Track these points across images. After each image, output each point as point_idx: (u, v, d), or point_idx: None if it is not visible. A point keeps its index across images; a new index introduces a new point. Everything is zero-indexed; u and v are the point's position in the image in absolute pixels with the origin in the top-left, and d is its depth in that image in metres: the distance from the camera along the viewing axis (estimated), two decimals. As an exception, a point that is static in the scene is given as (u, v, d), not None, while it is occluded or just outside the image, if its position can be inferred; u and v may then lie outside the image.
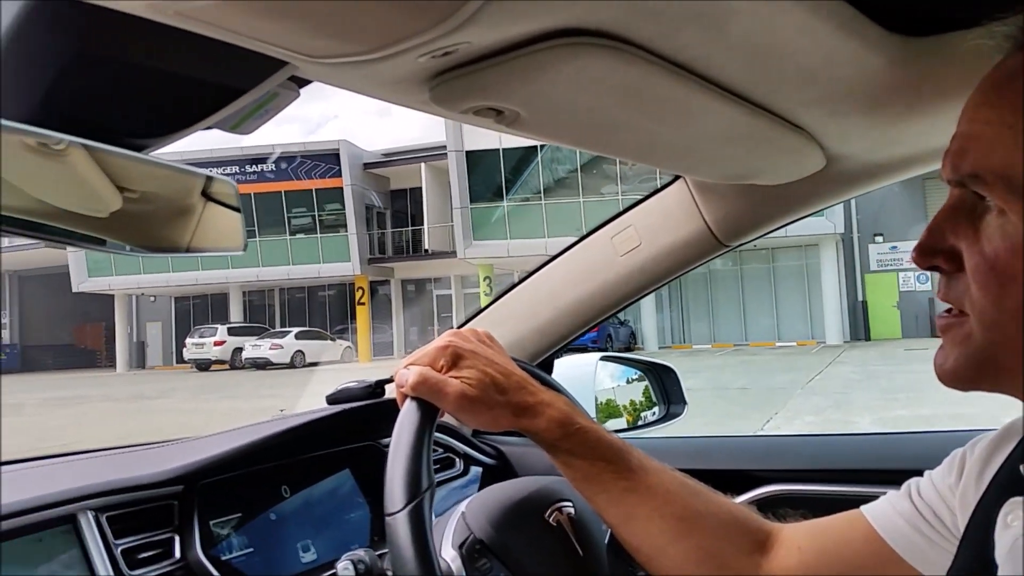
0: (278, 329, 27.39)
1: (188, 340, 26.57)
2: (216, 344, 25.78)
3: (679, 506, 0.78)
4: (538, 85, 0.66)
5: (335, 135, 31.25)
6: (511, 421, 0.77)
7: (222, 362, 25.81)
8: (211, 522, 1.10)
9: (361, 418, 1.32)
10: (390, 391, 1.34)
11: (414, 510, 0.67)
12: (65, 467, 1.18)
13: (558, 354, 1.47)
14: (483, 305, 1.51)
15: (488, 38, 0.58)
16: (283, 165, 26.39)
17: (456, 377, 0.75)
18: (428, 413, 0.74)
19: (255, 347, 24.97)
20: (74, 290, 28.73)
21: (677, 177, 1.24)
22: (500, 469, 1.48)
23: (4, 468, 1.18)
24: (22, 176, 0.56)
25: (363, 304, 27.49)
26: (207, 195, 0.71)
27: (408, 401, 0.75)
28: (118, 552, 0.99)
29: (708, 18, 0.61)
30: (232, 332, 26.22)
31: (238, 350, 25.46)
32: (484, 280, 25.38)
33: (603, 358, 1.59)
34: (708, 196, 1.21)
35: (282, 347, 24.79)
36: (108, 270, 28.24)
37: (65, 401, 16.23)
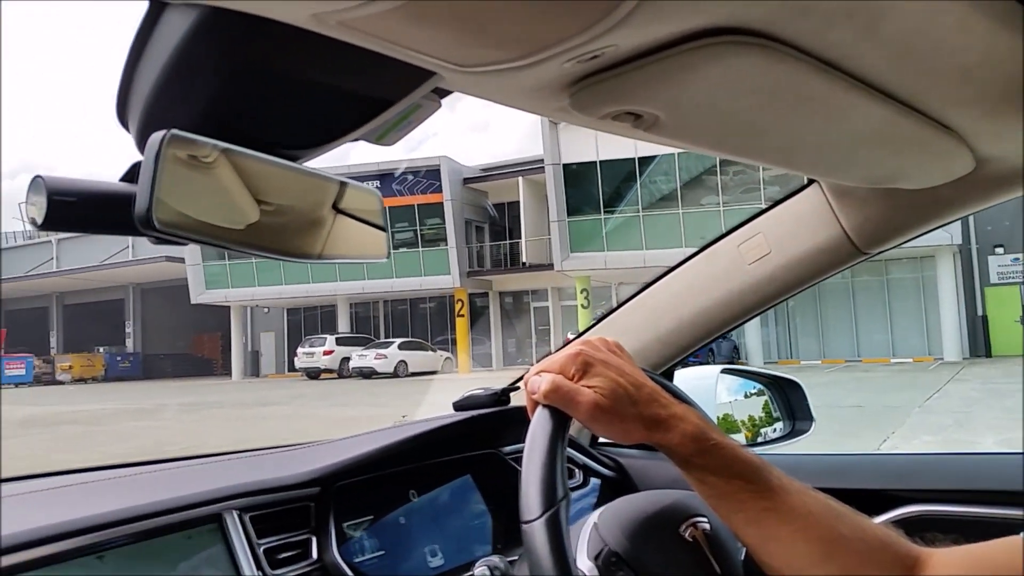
0: (382, 340, 28.20)
1: (299, 350, 27.72)
2: (325, 353, 26.79)
3: (823, 528, 0.74)
4: (681, 87, 0.65)
5: (435, 151, 31.92)
6: (643, 434, 0.75)
7: (331, 371, 26.77)
8: (344, 524, 1.12)
9: (485, 425, 1.33)
10: (515, 399, 1.35)
11: (551, 518, 0.67)
12: (207, 468, 1.24)
13: (677, 366, 1.45)
14: (601, 315, 1.49)
15: (635, 40, 0.57)
16: (387, 181, 27.22)
17: (587, 386, 0.74)
18: (561, 421, 0.74)
19: (361, 357, 25.79)
20: (192, 302, 30.43)
21: (810, 183, 1.20)
22: (619, 482, 1.46)
23: (153, 467, 1.25)
24: (188, 185, 0.58)
25: (462, 316, 27.92)
26: (352, 206, 0.73)
27: (540, 409, 0.75)
28: (260, 551, 1.02)
29: (861, 15, 0.59)
30: (340, 342, 27.21)
31: (345, 359, 26.39)
32: (581, 292, 25.29)
33: (724, 371, 1.56)
34: (846, 201, 1.17)
35: (386, 357, 25.49)
36: (224, 283, 29.85)
37: (191, 407, 17.20)
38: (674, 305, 1.38)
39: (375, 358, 25.53)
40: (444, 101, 0.70)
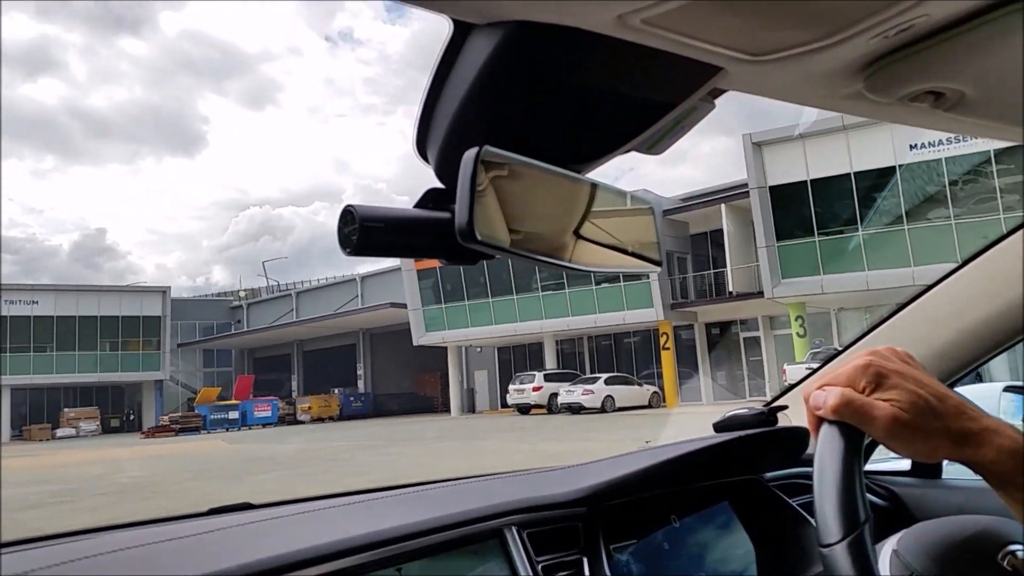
0: (588, 375, 28.30)
1: (510, 387, 28.58)
2: (534, 390, 27.41)
3: None
4: (994, 57, 0.60)
5: (630, 186, 31.81)
6: (950, 450, 0.68)
7: (540, 406, 27.29)
8: (612, 546, 1.12)
9: (749, 448, 1.28)
10: (781, 419, 1.31)
11: (855, 542, 0.63)
12: (475, 486, 1.28)
13: (956, 384, 1.33)
14: (866, 329, 1.41)
15: (949, 8, 0.54)
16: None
17: (883, 399, 0.68)
18: (853, 439, 0.68)
19: (569, 392, 26.03)
20: (414, 343, 32.48)
21: None
22: (892, 512, 1.36)
23: (433, 485, 1.30)
24: (501, 199, 0.59)
25: (667, 349, 27.35)
26: (629, 217, 0.73)
27: (827, 426, 0.70)
28: (539, 568, 1.04)
29: None
30: (548, 378, 27.73)
31: (554, 395, 26.76)
32: (796, 320, 23.83)
33: (1007, 388, 1.41)
34: None
35: (593, 392, 25.56)
36: (441, 324, 31.60)
37: (416, 441, 18.24)
38: (952, 314, 1.27)
39: (582, 393, 25.66)
40: None
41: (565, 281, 28.10)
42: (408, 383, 40.09)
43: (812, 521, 1.25)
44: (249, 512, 1.22)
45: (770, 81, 0.63)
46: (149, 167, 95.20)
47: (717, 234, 26.70)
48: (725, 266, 26.16)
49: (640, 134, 0.67)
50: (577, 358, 31.80)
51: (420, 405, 38.62)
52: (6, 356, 37.11)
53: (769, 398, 1.54)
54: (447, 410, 33.98)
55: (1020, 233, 1.21)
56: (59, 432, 36.28)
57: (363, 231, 0.57)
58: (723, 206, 25.81)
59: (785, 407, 1.35)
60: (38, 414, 38.54)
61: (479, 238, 0.56)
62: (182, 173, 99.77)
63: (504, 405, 30.15)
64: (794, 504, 1.32)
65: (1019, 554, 0.81)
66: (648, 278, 26.36)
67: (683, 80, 0.62)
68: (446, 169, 0.63)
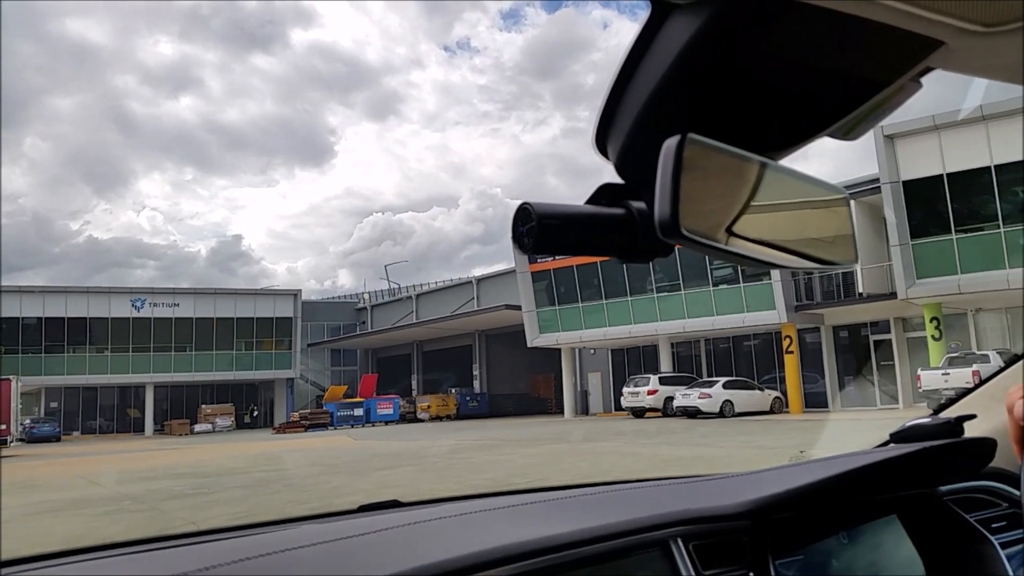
0: (705, 379, 27.65)
1: (624, 389, 28.27)
2: (649, 393, 26.99)
3: None
4: None
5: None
6: None
7: (655, 410, 26.86)
8: (777, 561, 1.09)
9: (928, 460, 1.19)
10: (968, 429, 1.23)
11: None
12: (635, 494, 1.25)
13: None
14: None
15: None
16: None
17: None
18: None
19: (685, 396, 25.49)
20: (528, 345, 32.72)
21: None
22: None
23: (584, 489, 1.28)
24: (706, 190, 0.55)
25: (791, 353, 26.29)
26: (821, 210, 0.67)
27: None
28: None
29: None
30: (663, 382, 27.23)
31: (669, 399, 26.27)
32: (931, 321, 22.38)
33: None
34: None
35: (711, 396, 24.92)
36: (555, 326, 31.66)
37: (531, 442, 18.44)
38: None
39: (699, 397, 25.06)
40: None
41: (681, 282, 27.58)
42: (523, 384, 40.33)
43: (992, 539, 1.20)
44: (398, 511, 1.23)
45: (993, 57, 0.56)
46: (281, 177, 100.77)
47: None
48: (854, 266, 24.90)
49: (843, 117, 0.62)
50: (693, 361, 31.08)
51: (534, 406, 38.80)
52: (150, 355, 40.25)
53: (901, 406, 1.47)
54: (560, 412, 33.98)
55: None
56: (197, 427, 38.74)
57: (541, 228, 0.56)
58: (852, 203, 24.46)
59: (973, 416, 1.27)
60: (178, 410, 41.16)
61: (684, 233, 0.53)
62: (311, 182, 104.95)
63: (618, 408, 29.85)
64: (972, 520, 1.26)
65: None
66: (770, 278, 25.51)
67: (898, 57, 0.56)
68: (629, 162, 0.61)
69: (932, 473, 1.26)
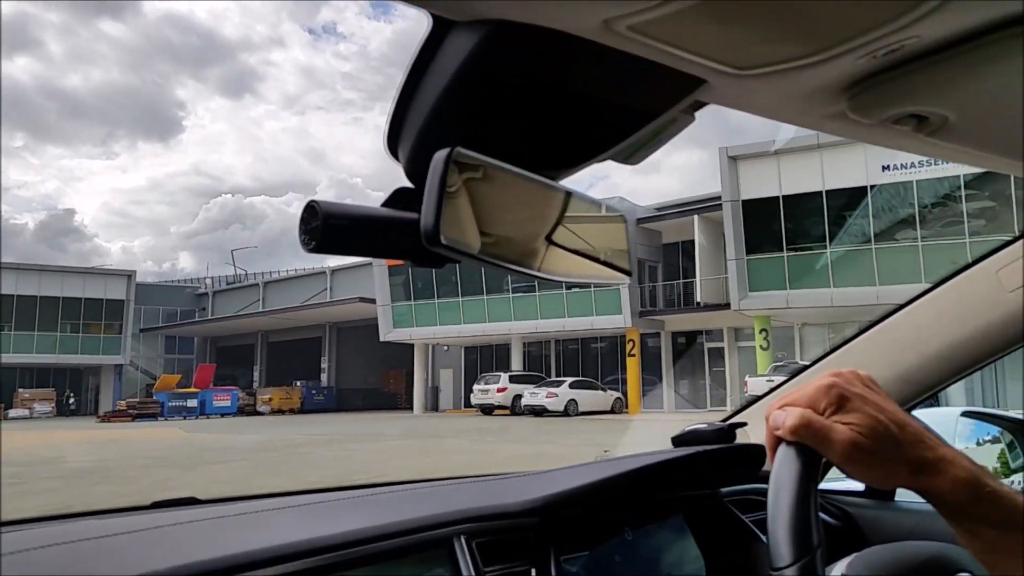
0: (554, 379, 28.39)
1: (475, 386, 28.54)
2: (499, 391, 27.39)
3: None
4: (981, 83, 0.59)
5: (604, 194, 32.08)
6: (907, 479, 0.68)
7: (504, 408, 27.27)
8: (562, 557, 1.10)
9: (707, 463, 1.27)
10: (739, 436, 1.29)
11: (805, 568, 0.62)
12: (427, 493, 1.25)
13: (916, 407, 1.32)
14: (830, 348, 1.39)
15: (940, 31, 0.53)
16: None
17: (843, 423, 0.67)
18: (810, 461, 0.68)
19: (533, 395, 26.09)
20: (381, 339, 32.32)
21: None
22: (845, 532, 1.35)
23: (373, 490, 1.28)
24: (470, 202, 0.57)
25: (633, 356, 27.56)
26: (599, 226, 0.71)
27: (785, 446, 0.69)
28: None
29: None
30: (513, 380, 27.72)
31: (518, 397, 26.79)
32: (760, 332, 24.18)
33: (965, 414, 1.40)
34: None
35: (557, 395, 25.62)
36: (410, 322, 31.47)
37: (374, 437, 18.16)
38: (919, 338, 1.26)
39: (546, 396, 25.73)
40: None
41: (536, 284, 28.15)
42: (373, 379, 39.88)
43: (764, 539, 1.26)
44: (194, 508, 1.20)
45: (752, 96, 0.62)
46: (122, 149, 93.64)
47: (688, 244, 26.98)
48: (695, 276, 26.41)
49: (618, 144, 0.66)
50: (544, 361, 31.91)
51: (384, 401, 38.44)
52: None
53: (730, 409, 1.54)
54: (410, 407, 33.83)
55: (988, 260, 1.21)
56: (12, 413, 35.57)
57: (325, 228, 0.56)
58: (696, 217, 26.08)
59: (744, 424, 1.35)
60: (-10, 393, 37.74)
61: (444, 242, 0.55)
62: (155, 157, 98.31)
63: (468, 405, 30.12)
64: (748, 521, 1.32)
65: None
66: (619, 285, 26.51)
67: (665, 91, 0.61)
68: (417, 169, 0.61)
69: (710, 475, 1.30)
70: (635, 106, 0.63)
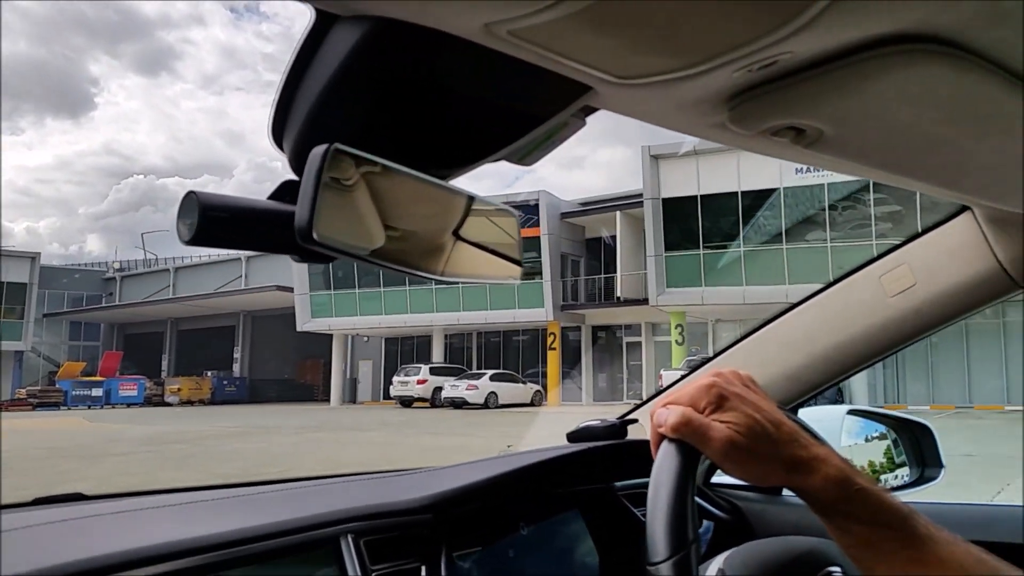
0: (474, 371, 28.47)
1: (395, 378, 28.29)
2: (419, 383, 27.22)
3: None
4: (853, 99, 0.61)
5: (528, 188, 32.25)
6: (781, 477, 0.70)
7: (424, 400, 27.12)
8: (454, 554, 1.10)
9: (600, 459, 1.28)
10: (632, 432, 1.31)
11: (680, 562, 0.63)
12: (317, 490, 1.23)
13: (803, 405, 1.37)
14: (723, 347, 1.43)
15: (814, 47, 0.54)
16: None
17: (721, 421, 0.69)
18: (690, 457, 0.69)
19: (453, 387, 26.09)
20: (298, 329, 31.62)
21: (961, 210, 1.12)
22: (734, 525, 1.39)
23: (265, 487, 1.26)
24: (347, 200, 0.57)
25: (554, 349, 27.88)
26: (487, 226, 0.71)
27: (666, 443, 0.71)
28: None
29: None
30: (434, 372, 27.58)
31: (438, 389, 26.72)
32: (676, 328, 24.86)
33: (851, 412, 1.46)
34: (1003, 230, 1.08)
35: (477, 388, 25.70)
36: (328, 312, 30.90)
37: (290, 430, 17.80)
38: (806, 339, 1.31)
39: (467, 388, 25.77)
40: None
41: (458, 275, 28.10)
42: (288, 369, 39.06)
43: None
44: (78, 504, 1.15)
45: (638, 104, 0.63)
46: (28, 125, 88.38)
47: (611, 240, 27.44)
48: (616, 272, 26.91)
49: (508, 145, 0.66)
50: (465, 353, 31.91)
51: (299, 393, 37.66)
52: None
53: (644, 401, 1.58)
54: (327, 399, 33.29)
55: (872, 266, 1.26)
56: None
57: (203, 219, 0.54)
58: (618, 213, 26.56)
59: (635, 420, 1.37)
60: None
61: (317, 239, 0.54)
62: (63, 134, 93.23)
63: (387, 397, 29.84)
64: (639, 515, 1.33)
65: (835, 575, 0.82)
66: (541, 277, 26.79)
67: (552, 95, 0.61)
68: (300, 162, 0.59)
69: (603, 470, 1.31)
70: (524, 109, 0.63)
